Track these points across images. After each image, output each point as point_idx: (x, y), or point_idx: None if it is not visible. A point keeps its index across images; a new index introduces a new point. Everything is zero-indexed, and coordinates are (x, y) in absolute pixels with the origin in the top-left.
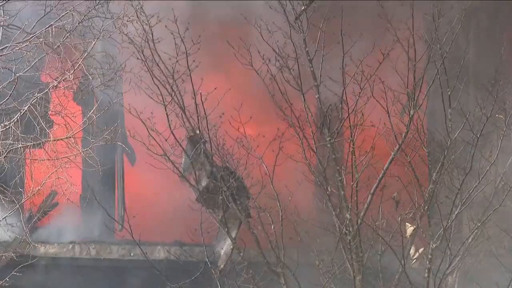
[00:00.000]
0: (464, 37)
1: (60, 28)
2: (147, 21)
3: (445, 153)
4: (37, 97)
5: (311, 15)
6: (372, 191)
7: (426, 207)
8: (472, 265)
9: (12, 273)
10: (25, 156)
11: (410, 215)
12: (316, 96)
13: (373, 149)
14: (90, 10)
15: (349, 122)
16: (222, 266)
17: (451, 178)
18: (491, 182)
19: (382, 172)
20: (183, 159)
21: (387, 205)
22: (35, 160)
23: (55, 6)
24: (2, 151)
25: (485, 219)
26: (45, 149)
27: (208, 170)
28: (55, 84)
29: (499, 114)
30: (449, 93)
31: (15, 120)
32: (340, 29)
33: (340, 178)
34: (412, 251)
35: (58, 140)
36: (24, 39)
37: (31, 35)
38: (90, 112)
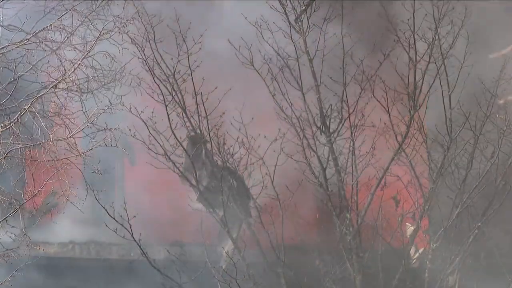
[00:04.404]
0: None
1: (59, 29)
2: (149, 20)
3: (445, 153)
4: (37, 97)
5: (311, 16)
6: (372, 191)
7: (426, 207)
8: (472, 265)
9: (13, 273)
10: (25, 156)
11: (410, 215)
12: (317, 96)
13: (373, 149)
14: (91, 12)
15: (349, 122)
16: (224, 267)
17: (451, 178)
18: (491, 182)
19: (383, 172)
20: (184, 159)
21: (387, 205)
22: (35, 160)
23: (54, 7)
24: (2, 152)
25: (485, 219)
26: (45, 149)
27: (209, 170)
28: (55, 84)
29: (499, 113)
30: (449, 93)
31: (15, 120)
32: (341, 29)
33: (340, 178)
34: (412, 251)
35: (58, 140)
36: (24, 39)
37: (31, 35)
38: (91, 115)
